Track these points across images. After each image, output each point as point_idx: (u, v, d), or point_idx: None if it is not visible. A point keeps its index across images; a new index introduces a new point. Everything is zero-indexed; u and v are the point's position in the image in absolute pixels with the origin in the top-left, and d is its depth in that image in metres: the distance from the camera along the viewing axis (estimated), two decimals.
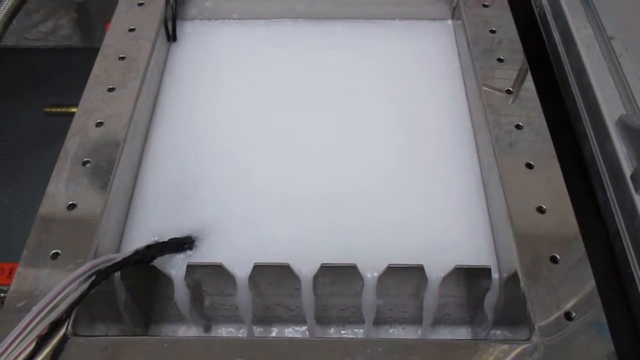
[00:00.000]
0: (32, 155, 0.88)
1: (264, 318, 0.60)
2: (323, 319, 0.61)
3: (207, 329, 0.61)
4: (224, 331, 0.60)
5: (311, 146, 0.63)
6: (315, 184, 0.60)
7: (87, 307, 0.47)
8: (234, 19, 0.77)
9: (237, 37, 0.75)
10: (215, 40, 0.75)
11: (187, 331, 0.60)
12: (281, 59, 0.72)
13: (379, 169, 0.61)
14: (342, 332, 0.61)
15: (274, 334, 0.61)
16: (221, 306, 0.58)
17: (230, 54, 0.73)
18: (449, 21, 0.76)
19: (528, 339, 0.45)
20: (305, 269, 0.52)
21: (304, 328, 0.60)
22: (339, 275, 0.53)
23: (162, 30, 0.71)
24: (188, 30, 0.76)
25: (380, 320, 0.60)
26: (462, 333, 0.60)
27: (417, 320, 0.59)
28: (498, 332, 0.53)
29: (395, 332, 0.61)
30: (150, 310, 0.59)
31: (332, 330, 0.61)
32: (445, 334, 0.60)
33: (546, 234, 0.50)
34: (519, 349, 0.44)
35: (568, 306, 0.46)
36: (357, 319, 0.59)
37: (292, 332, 0.61)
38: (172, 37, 0.73)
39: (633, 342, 0.50)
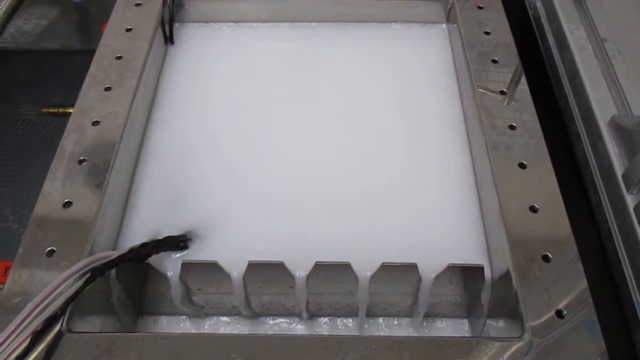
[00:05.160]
0: (29, 156, 0.88)
1: (258, 317, 0.60)
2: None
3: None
4: (219, 321, 0.60)
5: (307, 146, 0.63)
6: (310, 183, 0.60)
7: (81, 304, 0.47)
8: (233, 22, 0.77)
9: (236, 40, 0.76)
10: (213, 43, 0.75)
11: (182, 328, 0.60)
12: (278, 62, 0.73)
13: (373, 169, 0.61)
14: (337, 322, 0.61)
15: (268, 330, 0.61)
16: (216, 304, 0.58)
17: (228, 57, 0.73)
18: (444, 25, 0.77)
19: (520, 337, 0.45)
20: (300, 267, 0.52)
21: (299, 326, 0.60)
22: (332, 274, 0.53)
23: (159, 32, 0.71)
24: (186, 33, 0.76)
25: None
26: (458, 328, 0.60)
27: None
28: (491, 329, 0.53)
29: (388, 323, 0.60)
30: (145, 308, 0.59)
31: (325, 322, 0.61)
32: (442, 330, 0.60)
33: (539, 233, 0.51)
34: (510, 347, 0.45)
35: (560, 305, 0.46)
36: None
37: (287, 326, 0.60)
38: (169, 39, 0.74)
39: (624, 341, 0.50)
